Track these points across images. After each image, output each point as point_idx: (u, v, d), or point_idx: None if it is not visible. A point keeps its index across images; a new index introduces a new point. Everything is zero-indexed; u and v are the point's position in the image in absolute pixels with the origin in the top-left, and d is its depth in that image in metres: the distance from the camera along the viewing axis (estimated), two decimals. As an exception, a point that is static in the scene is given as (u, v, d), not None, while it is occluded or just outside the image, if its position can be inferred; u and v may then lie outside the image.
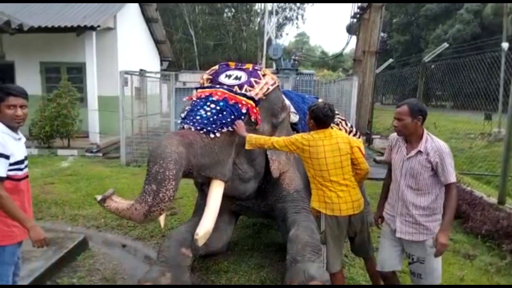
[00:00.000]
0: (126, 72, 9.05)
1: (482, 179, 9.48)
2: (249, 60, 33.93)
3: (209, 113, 2.99)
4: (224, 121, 2.98)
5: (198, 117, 2.97)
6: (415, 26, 33.12)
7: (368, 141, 12.23)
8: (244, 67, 3.50)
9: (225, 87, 3.22)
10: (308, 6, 38.15)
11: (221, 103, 3.04)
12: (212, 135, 2.92)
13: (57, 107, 9.48)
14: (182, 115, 3.13)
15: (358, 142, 5.15)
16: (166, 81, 12.41)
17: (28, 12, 10.93)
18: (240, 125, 3.08)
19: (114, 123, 9.65)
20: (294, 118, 4.08)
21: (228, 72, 3.40)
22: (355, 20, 10.05)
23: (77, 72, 11.62)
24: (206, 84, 3.40)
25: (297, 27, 43.72)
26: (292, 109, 4.10)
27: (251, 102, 3.17)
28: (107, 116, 10.49)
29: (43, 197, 5.97)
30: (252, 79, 3.32)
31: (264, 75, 3.44)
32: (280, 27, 39.66)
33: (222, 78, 3.35)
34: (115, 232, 4.84)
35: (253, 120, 3.14)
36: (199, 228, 2.87)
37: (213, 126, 2.94)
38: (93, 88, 10.20)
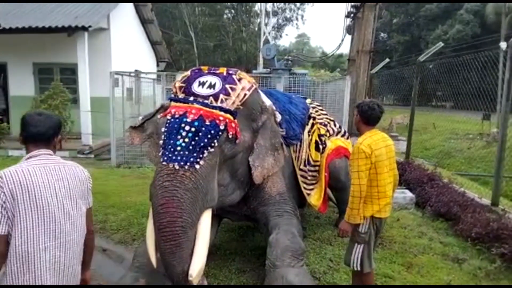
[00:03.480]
0: (117, 73, 8.95)
1: (479, 180, 9.37)
2: (249, 60, 33.91)
3: (186, 139, 2.77)
4: (202, 144, 2.78)
5: (178, 148, 2.75)
6: (415, 27, 33.02)
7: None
8: (217, 72, 3.27)
9: (200, 100, 2.99)
10: (308, 6, 38.14)
11: (196, 123, 2.82)
12: (197, 166, 2.74)
13: (48, 108, 9.37)
14: (161, 142, 2.89)
15: (348, 143, 5.07)
16: (161, 82, 12.29)
17: (20, 12, 10.84)
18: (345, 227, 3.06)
19: (107, 125, 9.52)
20: (277, 118, 3.94)
21: (201, 79, 3.15)
22: (349, 19, 9.95)
23: (71, 73, 11.51)
24: (179, 94, 3.17)
25: (297, 28, 43.67)
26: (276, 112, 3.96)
27: (228, 116, 2.95)
28: (100, 118, 10.37)
29: (28, 200, 5.84)
30: (227, 86, 3.09)
31: (240, 79, 3.20)
32: (279, 28, 39.62)
33: (196, 87, 3.09)
34: (97, 236, 4.71)
35: (230, 136, 2.93)
36: (192, 267, 2.66)
37: (194, 155, 2.75)
38: (85, 89, 10.08)
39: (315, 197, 4.38)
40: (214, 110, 2.95)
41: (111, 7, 11.16)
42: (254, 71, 10.73)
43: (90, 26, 9.52)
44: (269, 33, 17.71)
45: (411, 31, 33.34)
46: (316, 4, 37.62)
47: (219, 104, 3.01)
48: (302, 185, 4.27)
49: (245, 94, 3.19)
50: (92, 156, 9.56)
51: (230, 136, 2.95)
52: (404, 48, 33.18)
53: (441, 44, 8.53)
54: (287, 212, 3.69)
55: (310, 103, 4.99)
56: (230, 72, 3.29)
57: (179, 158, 2.75)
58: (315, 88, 11.07)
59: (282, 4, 37.75)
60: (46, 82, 11.34)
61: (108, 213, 5.35)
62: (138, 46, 14.56)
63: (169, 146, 2.81)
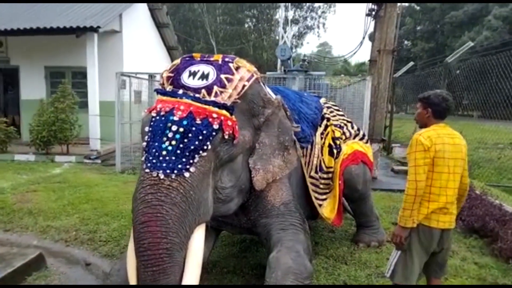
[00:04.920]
0: (123, 74, 8.58)
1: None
2: (269, 69, 33.65)
3: (173, 142, 2.28)
4: (192, 147, 2.28)
5: (163, 152, 2.26)
6: (440, 34, 32.16)
7: (387, 150, 11.41)
8: (211, 59, 2.73)
9: (190, 94, 2.48)
10: (329, 15, 37.69)
11: (185, 122, 2.32)
12: (187, 174, 2.25)
13: (55, 112, 9.07)
14: (144, 144, 2.40)
15: (366, 147, 4.48)
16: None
17: (31, 14, 10.66)
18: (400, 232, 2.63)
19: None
20: (287, 112, 3.39)
21: (192, 68, 2.63)
22: (370, 18, 9.38)
23: (82, 77, 11.15)
24: (166, 86, 2.67)
25: (318, 36, 43.17)
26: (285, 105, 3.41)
27: (223, 112, 2.43)
28: (110, 122, 10.00)
29: (19, 206, 5.45)
30: (223, 76, 2.56)
31: (237, 68, 2.66)
32: (300, 36, 39.25)
33: (185, 78, 2.58)
34: (84, 247, 4.24)
35: (226, 136, 2.42)
36: None
37: (183, 160, 2.26)
38: (94, 92, 9.74)
39: (327, 209, 3.82)
40: (206, 106, 2.42)
41: (122, 9, 10.87)
42: (268, 73, 10.20)
43: (99, 27, 9.21)
44: (287, 36, 17.16)
45: (436, 38, 32.49)
46: (338, 12, 37.26)
47: (212, 98, 2.48)
48: (313, 194, 3.71)
49: (243, 86, 2.65)
50: (99, 161, 9.18)
51: (226, 137, 2.43)
52: (428, 55, 32.24)
53: (470, 43, 7.91)
54: (292, 226, 3.12)
55: (325, 103, 4.44)
56: (226, 59, 2.75)
57: (164, 165, 2.24)
58: (335, 92, 10.49)
59: (303, 12, 37.51)
60: (57, 86, 11.03)
61: (100, 222, 4.88)
62: (152, 51, 14.25)
63: (153, 150, 2.30)
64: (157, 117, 2.40)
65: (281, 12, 18.29)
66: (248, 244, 4.27)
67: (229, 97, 2.54)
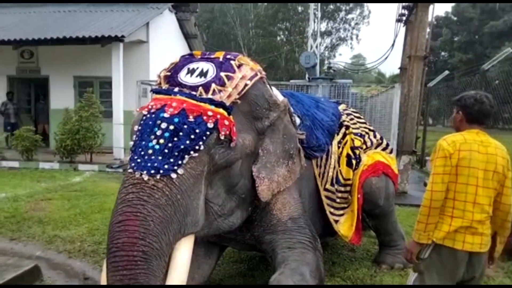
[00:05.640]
0: (143, 82, 8.51)
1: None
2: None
3: (161, 140, 2.04)
4: (182, 146, 2.03)
5: (149, 151, 2.03)
6: (478, 44, 30.93)
7: (420, 163, 10.82)
8: (212, 57, 2.51)
9: (186, 91, 2.26)
10: (363, 26, 37.12)
11: (176, 120, 2.08)
12: (174, 175, 1.99)
13: (79, 120, 9.10)
14: (131, 143, 2.18)
15: (390, 158, 4.09)
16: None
17: (60, 25, 10.83)
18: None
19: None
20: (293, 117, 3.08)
21: (191, 66, 2.43)
22: (400, 23, 8.94)
23: (110, 87, 11.23)
24: (163, 85, 2.44)
25: (351, 48, 42.53)
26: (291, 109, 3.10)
27: (220, 110, 2.18)
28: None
29: (30, 215, 5.34)
30: (223, 74, 2.33)
31: (240, 66, 2.43)
32: (333, 47, 38.84)
33: (183, 76, 2.37)
34: (86, 260, 4.04)
35: (222, 137, 2.15)
36: None
37: (171, 160, 2.00)
38: (118, 101, 9.77)
39: (345, 225, 3.45)
40: (201, 103, 2.17)
41: (148, 18, 10.91)
42: (291, 81, 9.92)
43: (123, 36, 9.24)
44: (316, 46, 16.85)
45: (474, 49, 31.28)
46: (372, 24, 36.71)
47: (209, 96, 2.24)
48: (328, 209, 3.37)
49: (245, 85, 2.39)
50: (121, 170, 9.09)
51: (222, 137, 2.15)
52: (466, 67, 31.08)
53: (510, 50, 7.31)
54: (300, 244, 2.77)
55: (344, 109, 4.09)
56: (228, 56, 2.51)
57: (149, 164, 1.99)
58: (365, 102, 10.04)
59: (336, 24, 37.18)
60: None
61: (106, 233, 4.65)
62: (180, 61, 14.26)
63: (139, 149, 2.07)
64: (148, 115, 2.17)
65: (310, 22, 17.97)
66: (257, 262, 3.93)
67: (229, 96, 2.29)
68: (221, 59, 2.48)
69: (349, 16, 36.76)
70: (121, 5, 11.98)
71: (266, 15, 35.19)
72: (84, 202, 6.06)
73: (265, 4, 35.09)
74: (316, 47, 15.62)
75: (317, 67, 10.56)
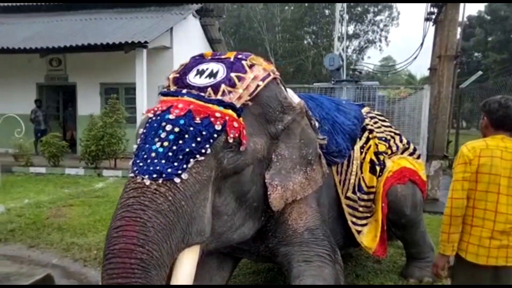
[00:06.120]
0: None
1: None
2: (328, 84, 33.23)
3: (166, 143, 1.91)
4: (187, 150, 1.89)
5: (152, 154, 1.90)
6: (514, 44, 29.82)
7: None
8: (223, 57, 2.37)
9: (194, 92, 2.13)
10: (392, 28, 36.45)
11: (181, 121, 1.95)
12: (177, 180, 1.85)
13: (103, 126, 9.17)
14: (134, 147, 2.08)
15: (418, 164, 3.83)
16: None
17: (87, 32, 11.00)
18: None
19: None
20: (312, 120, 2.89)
21: (201, 67, 2.29)
22: (429, 22, 8.58)
23: (135, 93, 11.39)
24: (171, 87, 2.32)
25: (380, 50, 41.78)
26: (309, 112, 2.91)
27: (229, 112, 2.03)
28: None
29: (51, 221, 5.34)
30: (233, 75, 2.17)
31: (251, 66, 2.27)
32: (361, 50, 38.29)
33: (192, 77, 2.24)
34: (101, 268, 3.95)
35: (231, 140, 2.00)
36: None
37: (175, 164, 1.87)
38: (142, 107, 9.79)
39: (368, 236, 3.21)
40: (209, 104, 2.03)
41: (172, 24, 10.95)
42: (315, 84, 9.70)
43: (146, 42, 9.29)
44: (342, 49, 16.55)
45: (509, 49, 30.12)
46: (401, 25, 35.95)
47: (219, 97, 2.09)
48: (350, 218, 3.15)
49: (257, 86, 2.22)
50: (144, 176, 9.09)
51: (231, 141, 1.99)
52: (501, 67, 29.96)
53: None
54: (318, 257, 2.57)
55: (368, 112, 3.85)
56: (239, 56, 2.36)
57: (151, 168, 1.85)
58: (392, 105, 9.69)
59: (364, 26, 36.67)
60: (110, 101, 11.38)
61: (123, 241, 4.60)
62: (205, 67, 14.30)
63: (142, 153, 1.93)
64: (153, 117, 2.04)
65: (336, 24, 17.69)
66: (275, 274, 3.74)
67: (239, 98, 2.13)
68: (232, 59, 2.33)
69: (378, 18, 36.15)
70: (145, 11, 12.10)
71: (293, 19, 35.04)
72: (104, 209, 6.03)
73: (292, 8, 34.96)
74: (343, 49, 15.25)
75: (343, 70, 10.30)
